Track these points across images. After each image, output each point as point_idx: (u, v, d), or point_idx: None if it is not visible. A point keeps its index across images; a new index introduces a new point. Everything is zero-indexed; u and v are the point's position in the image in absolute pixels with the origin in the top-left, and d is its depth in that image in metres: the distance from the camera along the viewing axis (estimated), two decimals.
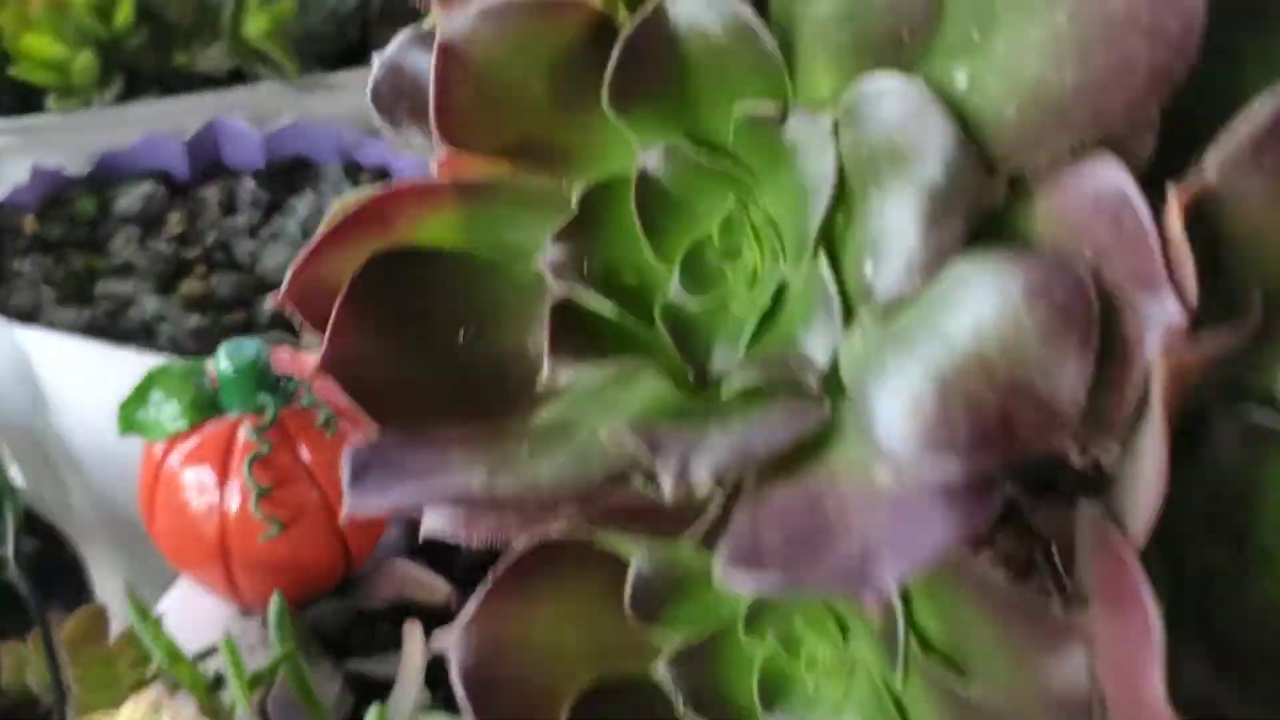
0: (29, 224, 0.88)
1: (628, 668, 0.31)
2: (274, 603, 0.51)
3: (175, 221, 0.91)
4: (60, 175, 0.91)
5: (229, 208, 0.95)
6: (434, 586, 0.58)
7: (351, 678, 0.54)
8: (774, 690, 0.29)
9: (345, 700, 0.53)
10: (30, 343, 0.70)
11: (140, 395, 0.55)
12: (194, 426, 0.55)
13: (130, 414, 0.55)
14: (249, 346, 0.55)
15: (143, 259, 0.87)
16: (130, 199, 0.92)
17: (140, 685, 0.48)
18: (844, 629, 0.28)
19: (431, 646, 0.53)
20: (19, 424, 0.73)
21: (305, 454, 0.55)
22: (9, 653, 0.58)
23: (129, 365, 0.71)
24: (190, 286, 0.85)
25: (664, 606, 0.30)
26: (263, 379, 0.55)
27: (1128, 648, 0.20)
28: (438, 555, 0.62)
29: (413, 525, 0.64)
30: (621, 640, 0.30)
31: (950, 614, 0.25)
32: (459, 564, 0.61)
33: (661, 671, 0.30)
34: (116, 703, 0.47)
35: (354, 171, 0.98)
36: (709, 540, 0.27)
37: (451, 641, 0.30)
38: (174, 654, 0.49)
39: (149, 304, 0.81)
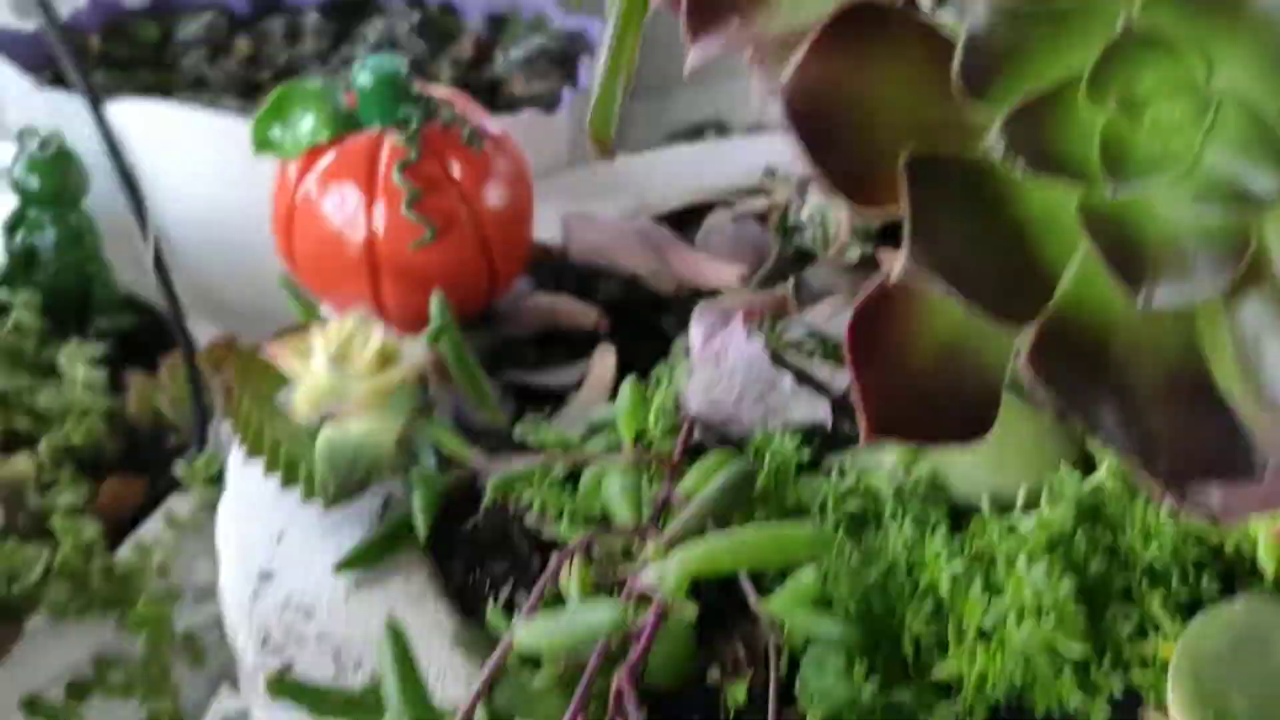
0: (94, 44, 0.85)
1: (950, 147, 0.29)
2: (435, 297, 0.49)
3: (243, 46, 0.89)
4: (118, 4, 0.89)
5: (294, 38, 0.92)
6: (583, 312, 0.57)
7: (511, 387, 0.52)
8: (1115, 152, 0.28)
9: (507, 403, 0.51)
10: (125, 116, 0.67)
11: (274, 112, 0.53)
12: (333, 141, 0.53)
13: (264, 132, 0.53)
14: (388, 60, 0.53)
15: (216, 76, 0.84)
16: (192, 28, 0.90)
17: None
18: (1210, 67, 0.27)
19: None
20: (107, 207, 0.70)
21: (454, 168, 0.53)
22: (136, 384, 0.56)
23: (224, 130, 0.69)
24: None
25: (995, 76, 0.28)
26: (403, 92, 0.53)
27: None
28: (576, 292, 0.61)
29: (553, 264, 0.62)
30: (945, 117, 0.29)
31: None
32: (596, 298, 0.60)
33: (994, 138, 0.28)
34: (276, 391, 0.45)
35: (419, 3, 0.96)
36: None
37: (779, 88, 0.28)
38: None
39: (232, 106, 0.79)
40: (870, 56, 0.29)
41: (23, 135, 0.65)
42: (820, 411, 0.44)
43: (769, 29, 0.34)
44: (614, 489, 0.41)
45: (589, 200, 0.70)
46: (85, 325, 0.64)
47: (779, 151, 0.79)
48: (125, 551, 0.51)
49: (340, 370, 0.37)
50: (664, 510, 0.41)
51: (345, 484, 0.39)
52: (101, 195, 0.68)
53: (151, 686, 0.51)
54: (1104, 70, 0.28)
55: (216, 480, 0.53)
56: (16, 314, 0.58)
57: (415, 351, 0.38)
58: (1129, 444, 0.27)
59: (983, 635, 0.37)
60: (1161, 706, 0.36)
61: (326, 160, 0.53)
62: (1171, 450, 0.26)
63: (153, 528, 0.53)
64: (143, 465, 0.57)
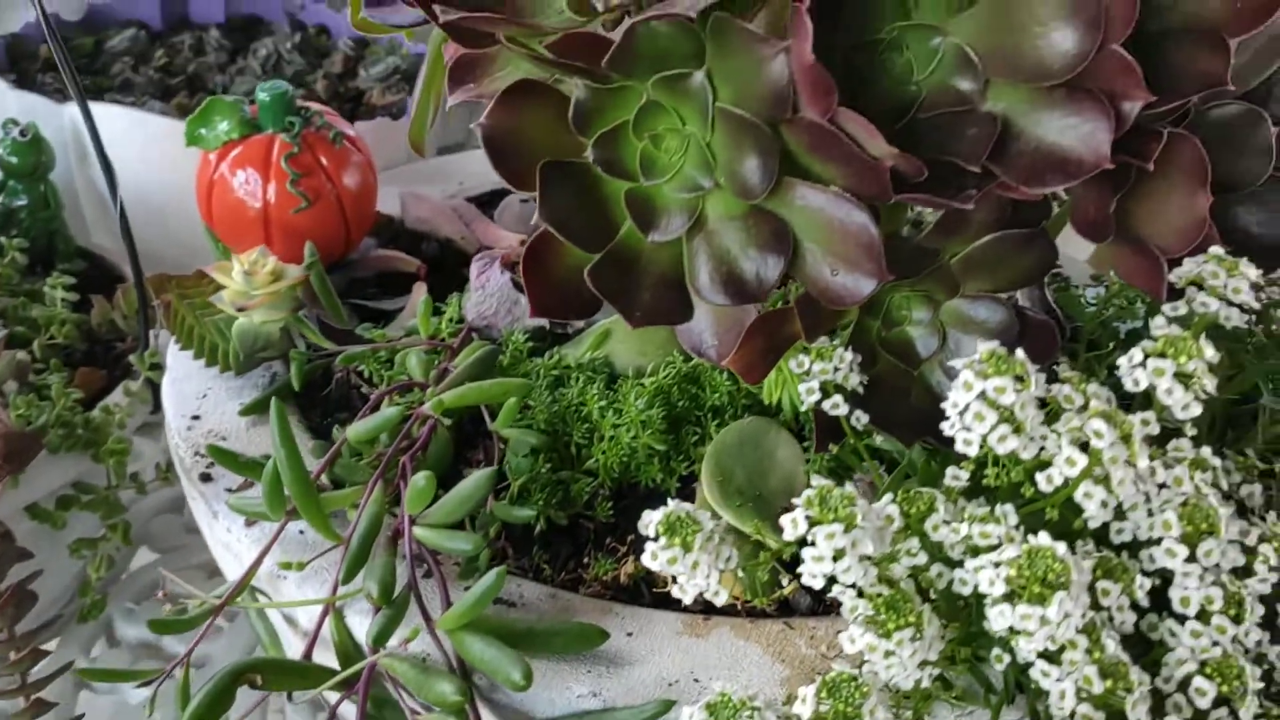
0: (43, 51, 1.09)
1: (568, 156, 0.57)
2: (307, 247, 0.75)
3: (159, 57, 1.13)
4: (59, 18, 1.13)
5: (199, 51, 1.17)
6: (408, 262, 0.84)
7: (358, 308, 0.79)
8: (646, 163, 0.56)
9: (354, 319, 0.78)
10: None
11: (202, 117, 0.79)
12: (241, 139, 0.79)
13: (194, 130, 0.79)
14: (279, 84, 0.80)
15: (140, 80, 1.09)
16: (118, 40, 1.14)
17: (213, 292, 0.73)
18: (683, 120, 0.55)
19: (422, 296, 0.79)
20: (64, 181, 0.95)
21: (323, 159, 0.79)
22: (98, 303, 0.82)
23: (157, 126, 0.95)
24: (180, 101, 1.08)
25: (589, 120, 0.56)
26: (290, 106, 0.79)
27: (798, 41, 0.47)
28: (406, 249, 0.88)
29: (392, 229, 0.89)
30: (566, 141, 0.57)
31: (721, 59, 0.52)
32: (420, 254, 0.87)
33: (589, 153, 0.56)
34: (205, 303, 0.71)
35: (299, 26, 1.21)
36: (618, 65, 0.53)
37: (479, 127, 0.55)
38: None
39: (155, 107, 1.04)
40: (527, 109, 0.56)
41: (6, 124, 0.90)
42: (545, 320, 0.72)
43: (485, 90, 0.62)
44: (413, 362, 0.68)
45: (421, 184, 0.97)
46: (50, 268, 0.89)
47: None
48: (97, 412, 0.76)
49: (249, 280, 0.63)
50: (443, 375, 0.69)
51: (249, 357, 0.66)
52: (60, 173, 0.94)
53: (110, 507, 0.77)
54: (638, 120, 0.56)
55: (157, 368, 0.79)
56: (9, 254, 0.84)
57: (294, 272, 0.65)
58: (626, 308, 0.55)
59: (611, 439, 0.65)
60: None
61: (236, 152, 0.79)
62: (649, 309, 0.55)
63: (114, 397, 0.79)
64: (103, 360, 0.83)
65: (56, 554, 0.78)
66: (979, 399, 0.47)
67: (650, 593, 0.60)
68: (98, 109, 0.94)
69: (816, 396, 0.56)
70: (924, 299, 0.60)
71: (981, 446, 0.47)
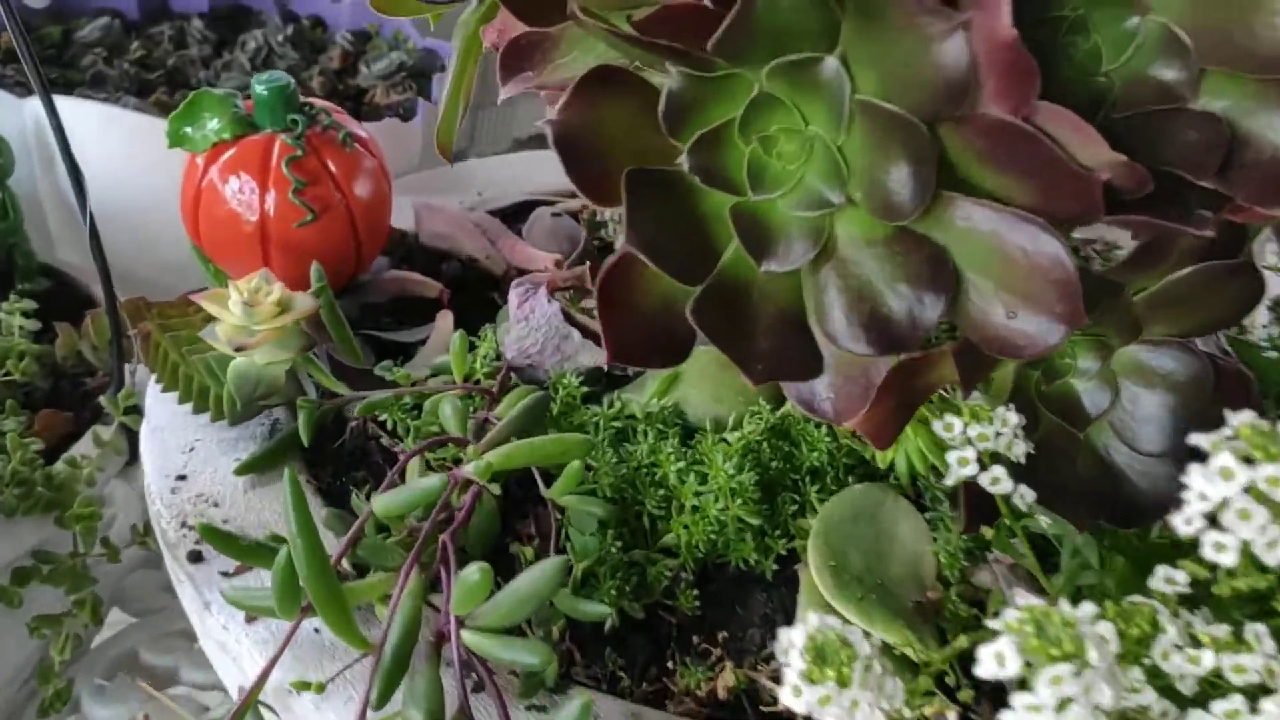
0: (3, 39, 0.96)
1: (657, 164, 0.45)
2: (314, 266, 0.63)
3: (135, 49, 1.01)
4: (23, 4, 1.00)
5: (181, 43, 1.05)
6: (429, 285, 0.72)
7: (372, 340, 0.67)
8: (756, 171, 0.44)
9: (368, 354, 0.66)
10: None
11: (187, 113, 0.67)
12: (234, 139, 0.67)
13: (177, 129, 0.67)
14: (279, 75, 0.67)
15: (113, 74, 0.96)
16: (89, 30, 1.01)
17: (204, 324, 0.60)
18: (805, 118, 0.44)
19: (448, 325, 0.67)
20: (29, 190, 0.83)
21: (330, 164, 0.67)
22: (63, 332, 0.69)
23: (134, 125, 0.82)
24: (159, 98, 0.95)
25: (683, 119, 0.44)
26: (291, 102, 0.67)
27: (987, 12, 0.36)
28: (422, 269, 0.76)
29: (406, 246, 0.77)
30: (654, 144, 0.45)
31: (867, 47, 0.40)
32: (440, 275, 0.75)
33: (683, 159, 0.44)
34: (193, 336, 0.59)
35: (291, 18, 1.09)
36: (726, 47, 0.42)
37: (549, 125, 0.44)
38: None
39: (131, 103, 0.91)
40: (607, 103, 0.45)
41: None
42: (600, 358, 0.60)
43: (549, 79, 0.50)
44: (447, 411, 0.56)
45: (437, 195, 0.85)
46: (8, 289, 0.76)
47: None
48: (61, 465, 0.64)
49: (249, 314, 0.51)
50: (483, 427, 0.57)
51: (248, 404, 0.54)
52: (21, 177, 0.81)
53: (76, 578, 0.64)
54: (747, 119, 0.44)
55: (134, 412, 0.67)
56: None
57: (304, 302, 0.53)
58: (740, 356, 0.43)
59: (694, 510, 0.53)
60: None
61: (228, 155, 0.67)
62: (770, 360, 0.43)
63: (82, 447, 0.67)
64: (68, 400, 0.70)
65: (13, 633, 0.65)
66: (1244, 493, 0.35)
67: (757, 712, 0.48)
68: (65, 105, 0.82)
69: (972, 469, 0.45)
70: (1094, 344, 0.48)
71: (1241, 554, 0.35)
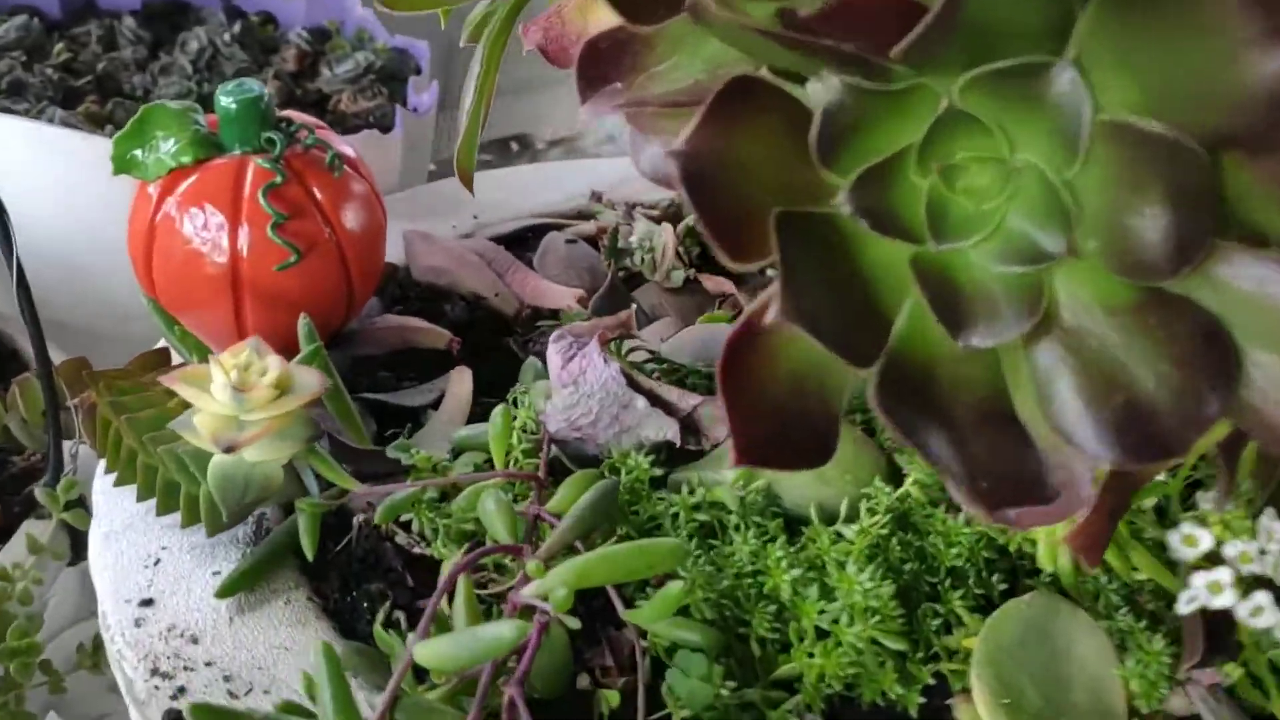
0: None
1: (809, 204, 0.34)
2: (302, 320, 0.51)
3: (58, 52, 0.87)
4: None
5: (110, 44, 0.91)
6: (437, 334, 0.60)
7: (368, 405, 0.55)
8: (938, 213, 0.33)
9: (366, 422, 0.54)
10: None
11: (136, 132, 0.54)
12: (195, 164, 0.54)
13: (124, 152, 0.54)
14: (250, 84, 0.55)
15: (33, 80, 0.82)
16: (4, 31, 0.87)
17: (169, 399, 0.48)
18: (1011, 143, 0.33)
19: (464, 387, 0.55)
20: None
21: (316, 191, 0.55)
22: None
23: (63, 147, 0.69)
24: (88, 108, 0.82)
25: (844, 145, 0.33)
26: (265, 116, 0.55)
27: None
28: (417, 311, 0.63)
29: (397, 283, 0.64)
30: (804, 177, 0.34)
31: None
32: (442, 319, 0.63)
33: (842, 200, 0.33)
34: (156, 418, 0.46)
35: (237, 14, 0.96)
36: (918, 51, 0.30)
37: (671, 155, 0.32)
38: (205, 353, 0.48)
39: (56, 115, 0.77)
40: (747, 124, 0.33)
41: None
42: (669, 431, 0.49)
43: (647, 92, 0.38)
44: (489, 508, 0.44)
45: (423, 220, 0.73)
46: None
47: (598, 175, 0.83)
48: None
49: (240, 401, 0.39)
50: (535, 527, 0.45)
51: (235, 511, 0.41)
52: None
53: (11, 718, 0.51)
54: (930, 143, 0.33)
55: (76, 507, 0.54)
56: None
57: (307, 381, 0.41)
58: (954, 470, 0.32)
59: (819, 634, 0.42)
60: (966, 692, 0.42)
61: (189, 183, 0.54)
62: (987, 475, 0.32)
63: (12, 551, 0.53)
64: None
65: None
66: None
67: None
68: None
69: (1229, 599, 0.34)
70: None
71: None
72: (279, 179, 0.53)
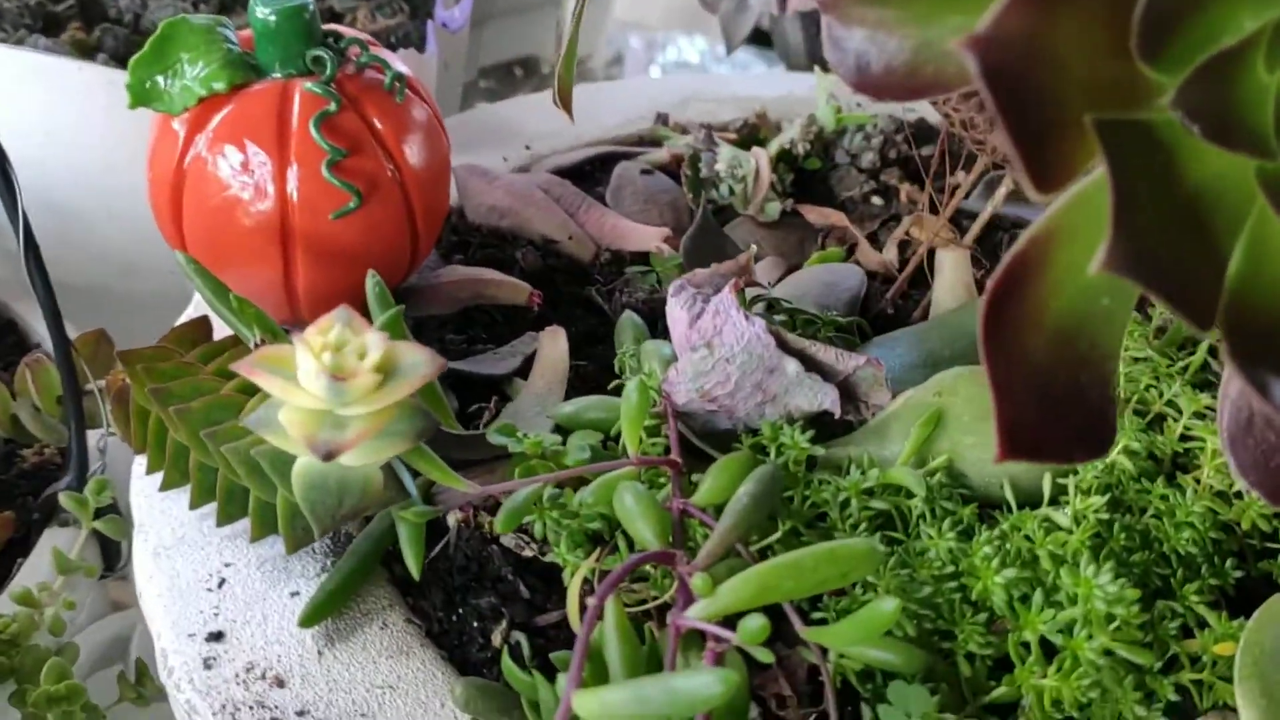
0: None
1: (1130, 109, 0.25)
2: (370, 276, 0.42)
3: None
4: None
5: None
6: (515, 286, 0.51)
7: (445, 376, 0.46)
8: None
9: (449, 398, 0.45)
10: None
11: (157, 55, 0.44)
12: (231, 90, 0.45)
13: (143, 79, 0.44)
14: None
15: (9, 6, 0.72)
16: None
17: (222, 381, 0.39)
18: None
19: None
20: None
21: (376, 120, 0.46)
22: None
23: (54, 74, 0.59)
24: (73, 35, 0.72)
25: (1173, 31, 0.25)
26: (310, 31, 0.45)
27: None
28: (480, 259, 0.55)
29: (450, 227, 0.56)
30: (1120, 75, 0.25)
31: None
32: (513, 267, 0.54)
33: (1170, 102, 0.24)
34: (210, 408, 0.38)
35: None
36: None
37: (968, 46, 0.23)
38: (273, 329, 0.40)
39: (40, 43, 0.67)
40: (1058, 10, 0.25)
41: None
42: (827, 399, 0.41)
43: None
44: (629, 504, 0.36)
45: (470, 152, 0.64)
46: None
47: (654, 95, 0.74)
48: (6, 603, 0.42)
49: (338, 391, 0.30)
50: (682, 525, 0.37)
51: (328, 524, 0.33)
52: None
53: None
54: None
55: (110, 515, 0.45)
56: None
57: (416, 360, 0.32)
58: None
59: (1045, 648, 0.34)
60: (1219, 708, 0.35)
61: (224, 114, 0.45)
62: None
63: (36, 570, 0.45)
64: (6, 492, 0.48)
65: None
66: None
67: None
68: None
69: None
70: None
71: None
72: (333, 106, 0.44)
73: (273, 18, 0.44)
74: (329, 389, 0.30)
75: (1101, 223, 0.26)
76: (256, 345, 0.38)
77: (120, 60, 0.72)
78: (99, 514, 0.44)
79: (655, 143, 0.67)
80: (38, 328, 0.56)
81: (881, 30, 0.30)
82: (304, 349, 0.31)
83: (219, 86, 0.44)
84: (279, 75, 0.45)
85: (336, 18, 0.80)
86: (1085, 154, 0.26)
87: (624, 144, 0.67)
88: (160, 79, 0.44)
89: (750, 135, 0.67)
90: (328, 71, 0.45)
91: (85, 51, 0.71)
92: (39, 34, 0.70)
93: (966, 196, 0.54)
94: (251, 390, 0.38)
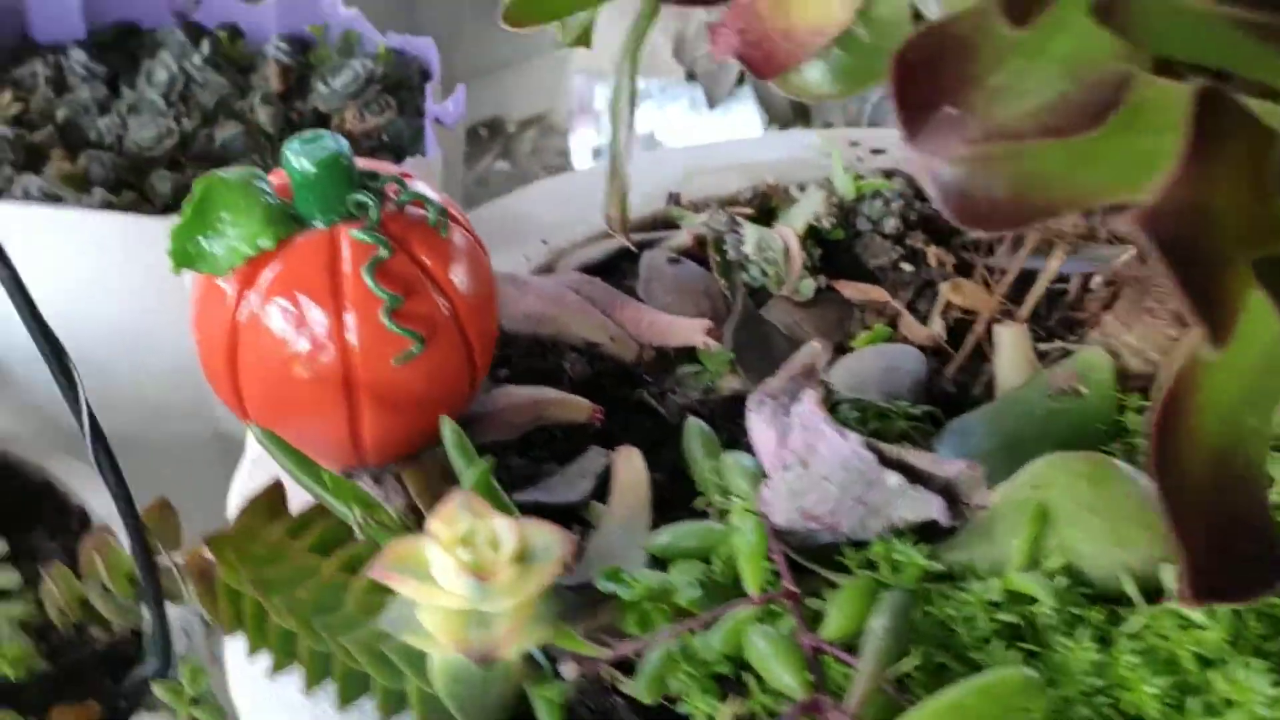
0: None
1: (1271, 247, 0.25)
2: (445, 424, 0.41)
3: (6, 103, 0.75)
4: None
5: (60, 85, 0.78)
6: (575, 404, 0.50)
7: (521, 508, 0.45)
8: None
9: None
10: None
11: (198, 219, 0.43)
12: (278, 246, 0.43)
13: (186, 243, 0.43)
14: (323, 137, 0.44)
15: None
16: None
17: (330, 548, 0.38)
18: None
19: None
20: None
21: (425, 259, 0.45)
22: (56, 578, 0.45)
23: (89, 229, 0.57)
24: (59, 169, 0.70)
25: None
26: (350, 175, 0.44)
27: None
28: (523, 372, 0.54)
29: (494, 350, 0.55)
30: (1260, 218, 0.25)
31: None
32: (564, 380, 0.53)
33: None
34: (294, 577, 0.36)
35: (198, 31, 0.84)
36: None
37: (1139, 221, 0.23)
38: (371, 503, 0.39)
39: (33, 185, 0.65)
40: (1220, 160, 0.24)
41: None
42: (934, 508, 0.40)
43: (992, 120, 0.28)
44: (762, 648, 0.35)
45: (491, 252, 0.63)
46: None
47: (654, 169, 0.73)
48: None
49: (481, 590, 0.29)
50: (817, 662, 0.36)
51: (476, 717, 0.32)
52: None
53: None
54: None
55: (208, 705, 0.43)
56: None
57: (550, 543, 0.31)
58: None
59: None
60: None
61: (274, 270, 0.43)
62: None
63: None
64: (81, 675, 0.46)
65: None
66: None
67: None
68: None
69: None
70: None
71: None
72: (383, 253, 0.43)
73: (312, 170, 0.43)
74: (472, 589, 0.29)
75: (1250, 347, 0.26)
76: (359, 525, 0.37)
77: (112, 189, 0.70)
78: (195, 702, 0.42)
79: (670, 223, 0.67)
80: (73, 485, 0.54)
81: (979, 166, 0.29)
82: (434, 546, 0.29)
83: (265, 244, 0.43)
84: (321, 223, 0.44)
85: (324, 119, 0.79)
86: (1242, 291, 0.25)
87: (641, 229, 0.66)
88: (203, 241, 0.43)
89: (763, 205, 0.67)
90: (371, 217, 0.43)
91: (79, 186, 0.69)
92: (27, 172, 0.68)
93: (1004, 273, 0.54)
94: (353, 565, 0.36)
